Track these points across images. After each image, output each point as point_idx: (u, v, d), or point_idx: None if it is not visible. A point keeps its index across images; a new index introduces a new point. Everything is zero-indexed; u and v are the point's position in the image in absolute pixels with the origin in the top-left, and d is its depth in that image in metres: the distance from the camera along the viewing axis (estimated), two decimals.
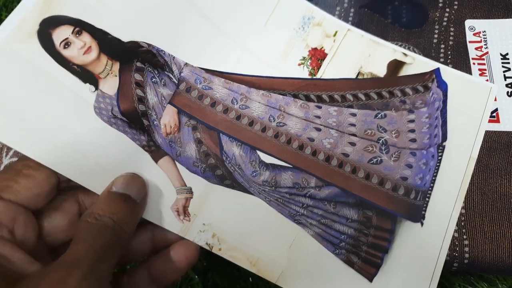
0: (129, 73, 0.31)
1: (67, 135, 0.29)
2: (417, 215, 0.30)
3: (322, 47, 0.33)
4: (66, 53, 0.30)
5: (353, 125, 0.31)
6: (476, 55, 0.37)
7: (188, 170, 0.30)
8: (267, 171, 0.31)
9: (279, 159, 0.31)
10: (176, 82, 0.31)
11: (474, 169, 0.31)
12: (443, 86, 0.32)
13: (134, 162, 0.29)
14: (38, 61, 0.29)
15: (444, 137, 0.31)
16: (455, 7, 0.39)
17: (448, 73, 0.32)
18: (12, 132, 0.28)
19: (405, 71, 0.33)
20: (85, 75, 0.30)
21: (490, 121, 0.34)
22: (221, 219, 0.30)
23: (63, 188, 0.28)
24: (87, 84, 0.30)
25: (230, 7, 0.33)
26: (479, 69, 0.36)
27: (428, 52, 0.38)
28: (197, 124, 0.31)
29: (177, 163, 0.30)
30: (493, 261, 0.31)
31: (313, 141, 0.31)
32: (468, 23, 0.39)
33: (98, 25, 0.30)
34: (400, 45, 0.37)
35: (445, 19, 0.39)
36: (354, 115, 0.32)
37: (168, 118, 0.31)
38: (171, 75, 0.31)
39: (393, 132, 0.31)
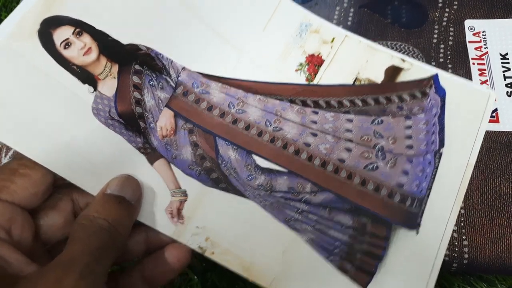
0: (127, 75, 0.31)
1: (65, 135, 0.29)
2: (413, 222, 0.29)
3: (320, 53, 0.33)
4: (66, 53, 0.30)
5: (350, 130, 0.31)
6: (476, 55, 0.37)
7: (184, 173, 0.31)
8: (262, 175, 0.31)
9: (275, 163, 0.31)
10: (174, 85, 0.32)
11: (474, 169, 0.30)
12: (441, 92, 0.32)
13: (129, 163, 0.30)
14: (38, 61, 0.29)
15: (442, 144, 0.31)
16: (455, 7, 0.39)
17: (447, 79, 0.32)
18: (11, 132, 0.28)
19: (403, 77, 0.32)
20: (84, 76, 0.30)
21: (489, 121, 0.34)
22: (215, 222, 0.30)
23: (58, 185, 0.28)
24: (86, 85, 0.30)
25: (229, 12, 0.34)
26: (479, 69, 0.36)
27: (427, 52, 0.38)
28: (193, 128, 0.31)
29: (172, 165, 0.31)
30: (492, 261, 0.31)
31: (309, 146, 0.31)
32: (468, 23, 0.38)
33: (98, 26, 0.31)
34: (400, 45, 0.37)
35: (445, 19, 0.39)
36: (350, 120, 0.32)
37: (164, 121, 0.31)
38: (168, 79, 0.32)
39: (389, 138, 0.31)
